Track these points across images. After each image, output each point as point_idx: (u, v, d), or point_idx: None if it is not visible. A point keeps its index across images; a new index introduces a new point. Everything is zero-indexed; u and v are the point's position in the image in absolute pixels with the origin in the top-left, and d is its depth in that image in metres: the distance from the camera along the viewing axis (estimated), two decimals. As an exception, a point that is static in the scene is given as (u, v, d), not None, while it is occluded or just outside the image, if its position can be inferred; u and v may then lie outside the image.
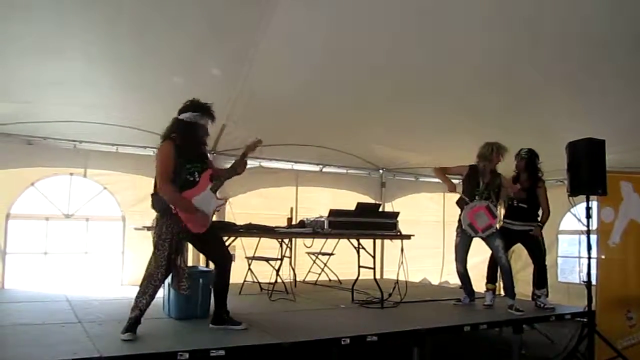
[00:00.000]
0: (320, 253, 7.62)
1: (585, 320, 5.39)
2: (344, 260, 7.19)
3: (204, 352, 3.65)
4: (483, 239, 5.81)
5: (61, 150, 6.83)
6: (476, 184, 5.80)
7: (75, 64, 5.44)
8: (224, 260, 4.42)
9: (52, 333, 4.07)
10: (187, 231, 4.14)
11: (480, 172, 5.82)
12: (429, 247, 9.33)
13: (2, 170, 6.53)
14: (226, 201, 4.33)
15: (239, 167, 4.44)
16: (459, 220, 5.87)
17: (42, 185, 6.82)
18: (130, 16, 4.87)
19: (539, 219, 6.06)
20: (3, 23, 4.65)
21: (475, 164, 5.87)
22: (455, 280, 7.61)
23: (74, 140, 6.84)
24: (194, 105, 4.21)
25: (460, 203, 5.89)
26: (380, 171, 9.38)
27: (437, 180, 9.51)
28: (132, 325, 4.00)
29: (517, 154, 6.02)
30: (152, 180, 7.32)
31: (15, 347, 3.63)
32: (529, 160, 5.98)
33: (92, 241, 7.12)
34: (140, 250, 7.15)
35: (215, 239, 4.43)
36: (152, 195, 4.25)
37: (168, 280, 4.83)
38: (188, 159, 4.14)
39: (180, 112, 4.23)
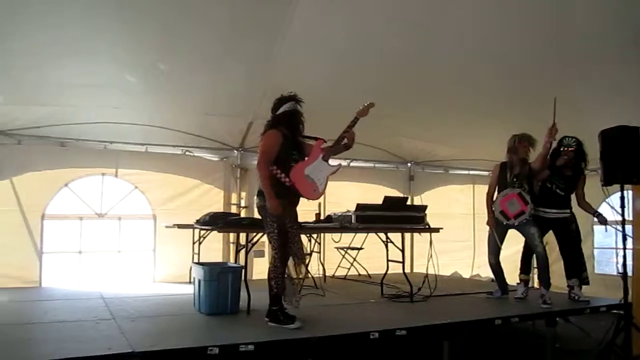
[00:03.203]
0: (349, 248, 7.61)
1: (621, 312, 5.26)
2: (373, 254, 7.16)
3: (234, 347, 3.69)
4: (516, 227, 5.71)
5: (93, 151, 6.98)
6: (505, 177, 5.74)
7: (105, 67, 5.59)
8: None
9: (87, 329, 4.17)
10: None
11: (508, 165, 5.77)
12: (459, 240, 9.26)
13: (38, 172, 6.69)
14: (340, 165, 4.55)
15: (347, 139, 4.52)
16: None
17: (75, 185, 6.97)
18: (157, 19, 4.97)
19: (588, 211, 5.96)
20: (37, 31, 4.81)
21: (505, 161, 5.83)
22: (487, 273, 7.53)
23: (105, 141, 6.97)
24: (285, 99, 4.46)
25: None
26: (409, 164, 9.31)
27: (466, 172, 9.49)
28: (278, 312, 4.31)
29: (561, 143, 5.80)
30: (182, 179, 7.53)
31: (53, 342, 3.72)
32: (579, 152, 5.80)
33: (124, 240, 7.25)
34: (171, 248, 7.29)
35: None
36: None
37: (200, 276, 4.93)
38: (293, 146, 4.41)
39: (276, 108, 4.48)
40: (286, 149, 4.35)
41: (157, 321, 4.58)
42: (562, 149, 5.77)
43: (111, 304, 5.31)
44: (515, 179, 5.68)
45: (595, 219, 5.94)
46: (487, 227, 5.95)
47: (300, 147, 4.51)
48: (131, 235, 7.33)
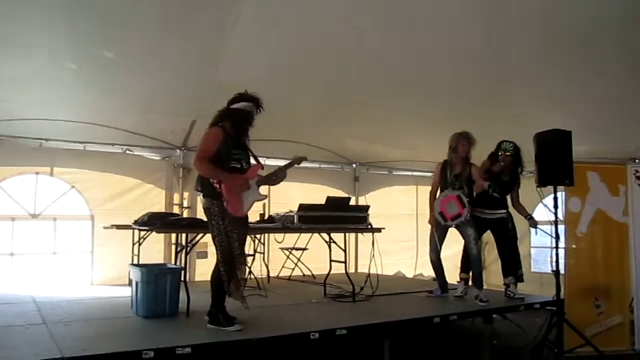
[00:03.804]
0: (293, 248, 7.59)
1: (554, 309, 5.47)
2: (318, 255, 7.14)
3: (170, 350, 3.60)
4: (455, 227, 5.84)
5: (26, 148, 6.66)
6: (446, 176, 5.85)
7: (40, 61, 5.33)
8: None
9: (15, 335, 3.99)
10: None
11: (449, 164, 5.88)
12: (403, 240, 9.39)
13: (-34, 170, 6.35)
14: (266, 198, 4.64)
15: (277, 178, 4.62)
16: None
17: (7, 185, 6.66)
18: (96, 12, 4.78)
19: (521, 213, 6.16)
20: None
21: (447, 158, 5.94)
22: (429, 272, 7.65)
23: (40, 139, 6.67)
24: (246, 97, 4.41)
25: None
26: (354, 165, 9.39)
27: (410, 173, 9.65)
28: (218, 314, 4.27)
29: (499, 147, 5.96)
30: (122, 178, 7.32)
31: (-25, 350, 3.54)
32: (516, 157, 5.96)
33: (60, 241, 6.97)
34: (110, 249, 7.07)
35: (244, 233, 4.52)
36: (198, 178, 4.36)
37: (137, 277, 4.80)
38: (235, 146, 4.33)
39: (233, 102, 4.40)
40: (227, 147, 4.27)
41: (91, 325, 4.42)
42: (500, 153, 5.93)
43: (43, 308, 5.10)
44: (455, 179, 5.80)
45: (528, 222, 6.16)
46: (430, 226, 6.06)
47: (245, 147, 4.46)
48: (67, 237, 7.05)
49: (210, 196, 4.24)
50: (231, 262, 4.22)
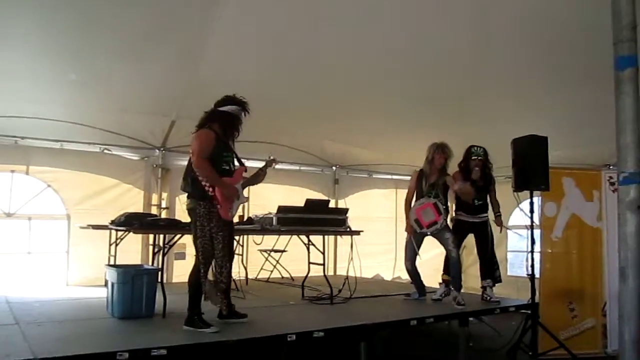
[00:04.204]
0: (272, 250, 7.58)
1: (529, 312, 5.54)
2: (297, 257, 7.14)
3: (145, 351, 3.57)
4: (433, 235, 5.88)
5: (1, 146, 6.53)
6: (422, 185, 5.92)
7: (16, 56, 5.25)
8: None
9: (-14, 336, 3.91)
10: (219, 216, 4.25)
11: (425, 174, 5.93)
12: (382, 243, 9.40)
13: (-62, 168, 6.22)
14: (248, 199, 4.70)
15: (258, 177, 4.81)
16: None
17: (-18, 183, 6.53)
18: (75, 9, 4.72)
19: (493, 209, 6.26)
20: None
21: (422, 168, 6.01)
22: (407, 276, 7.70)
23: (15, 136, 6.55)
24: (234, 100, 4.42)
25: None
26: (334, 168, 9.40)
27: (389, 176, 9.70)
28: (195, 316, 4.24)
29: (470, 152, 6.04)
30: (99, 178, 7.20)
31: (-56, 351, 3.47)
32: (485, 160, 6.06)
33: (35, 241, 6.85)
34: (87, 249, 6.97)
35: (232, 235, 4.53)
36: (186, 179, 4.35)
37: (113, 278, 4.74)
38: (225, 148, 4.36)
39: (220, 104, 4.41)
40: (219, 150, 4.27)
41: (66, 326, 4.37)
42: (473, 158, 6.01)
43: (16, 309, 5.01)
44: (431, 188, 5.86)
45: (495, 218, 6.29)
46: (406, 234, 6.09)
47: (231, 149, 4.46)
48: (43, 236, 6.92)
49: (196, 197, 4.22)
50: (210, 265, 4.21)
